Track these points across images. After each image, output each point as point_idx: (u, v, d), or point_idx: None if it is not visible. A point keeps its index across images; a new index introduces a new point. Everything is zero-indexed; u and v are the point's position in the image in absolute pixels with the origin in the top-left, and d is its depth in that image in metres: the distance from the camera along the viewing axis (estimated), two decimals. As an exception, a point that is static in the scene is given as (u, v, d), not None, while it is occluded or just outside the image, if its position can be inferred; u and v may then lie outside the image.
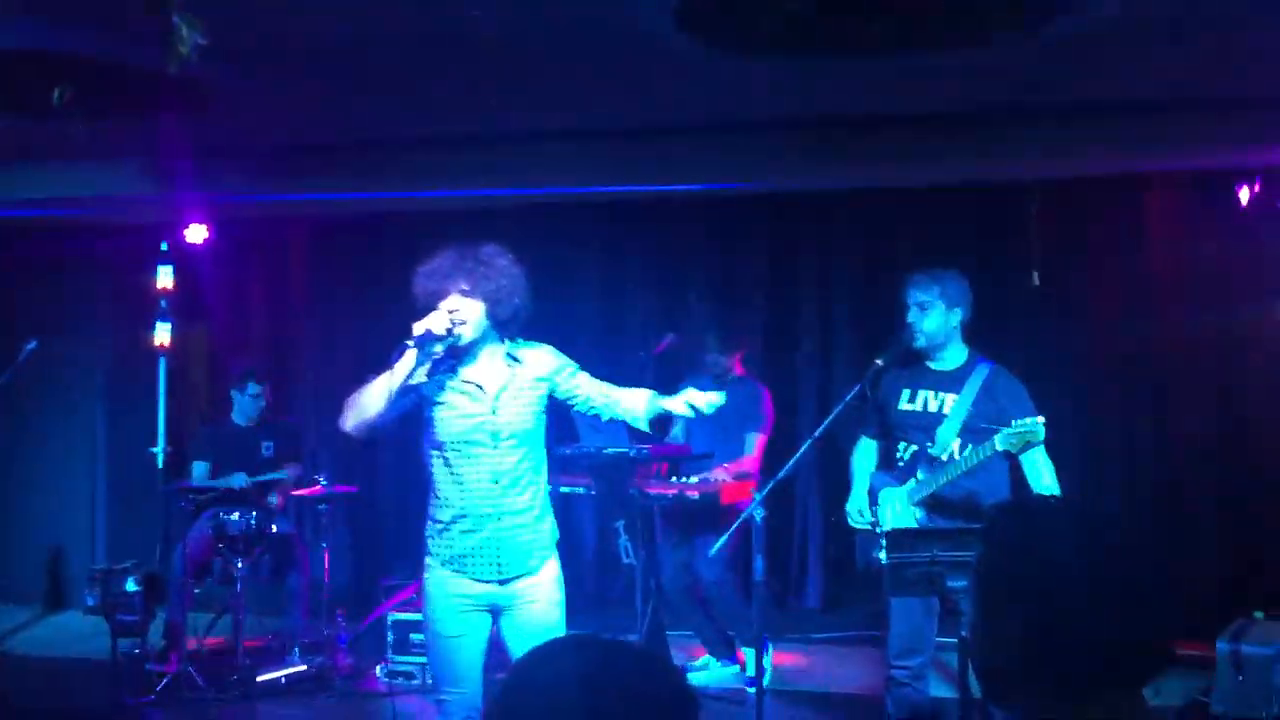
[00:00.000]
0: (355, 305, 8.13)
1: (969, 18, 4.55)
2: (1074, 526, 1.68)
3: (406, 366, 3.76)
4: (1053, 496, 4.43)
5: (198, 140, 6.36)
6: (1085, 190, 7.15)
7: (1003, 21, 4.57)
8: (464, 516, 3.88)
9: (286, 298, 8.76)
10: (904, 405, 4.78)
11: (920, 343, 4.71)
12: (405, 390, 3.80)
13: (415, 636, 6.13)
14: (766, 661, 6.24)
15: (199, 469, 6.96)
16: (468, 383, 3.89)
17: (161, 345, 7.93)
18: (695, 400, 3.97)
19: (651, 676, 1.51)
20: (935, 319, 4.69)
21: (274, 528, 6.56)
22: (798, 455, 4.71)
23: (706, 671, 6.38)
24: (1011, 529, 1.73)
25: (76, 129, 5.24)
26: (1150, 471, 7.24)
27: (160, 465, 7.79)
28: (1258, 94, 5.59)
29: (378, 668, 6.47)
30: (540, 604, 3.92)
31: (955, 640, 4.56)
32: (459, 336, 3.82)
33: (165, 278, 7.87)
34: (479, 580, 3.88)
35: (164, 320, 7.91)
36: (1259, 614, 5.69)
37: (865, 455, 4.98)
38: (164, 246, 7.87)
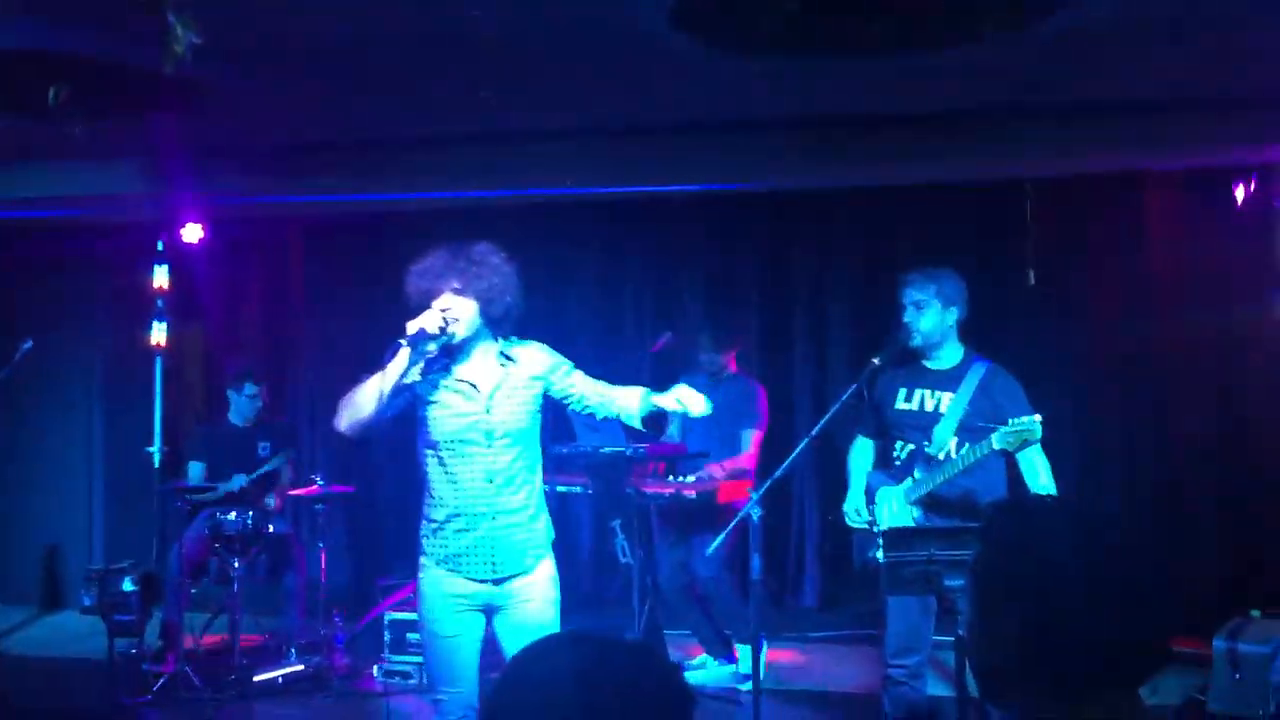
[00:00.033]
0: (352, 305, 8.12)
1: (966, 17, 4.55)
2: (1071, 526, 1.68)
3: (400, 365, 3.75)
4: (1050, 496, 4.43)
5: (194, 140, 6.35)
6: (1081, 189, 7.16)
7: (1000, 20, 4.57)
8: (458, 515, 3.87)
9: (282, 297, 8.75)
10: (900, 404, 4.78)
11: (916, 342, 4.71)
12: (399, 390, 3.79)
13: (412, 636, 6.13)
14: (761, 660, 6.26)
15: (195, 469, 6.95)
16: (461, 381, 3.89)
17: (157, 345, 7.92)
18: (684, 397, 3.94)
19: (647, 672, 1.51)
20: (931, 318, 4.69)
21: (270, 528, 6.55)
22: (794, 454, 4.70)
23: (703, 671, 6.38)
24: (1009, 528, 1.73)
25: (72, 128, 5.23)
26: (1148, 470, 7.24)
27: (156, 465, 7.79)
28: (1253, 93, 5.60)
29: (374, 667, 6.47)
30: (535, 603, 3.92)
31: (952, 639, 4.56)
32: (452, 335, 3.82)
33: (161, 277, 7.86)
34: (473, 580, 3.88)
35: (160, 320, 7.91)
36: (1255, 612, 5.68)
37: (861, 455, 4.98)
38: (160, 246, 7.87)
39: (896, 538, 4.20)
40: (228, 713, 6.04)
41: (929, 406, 4.71)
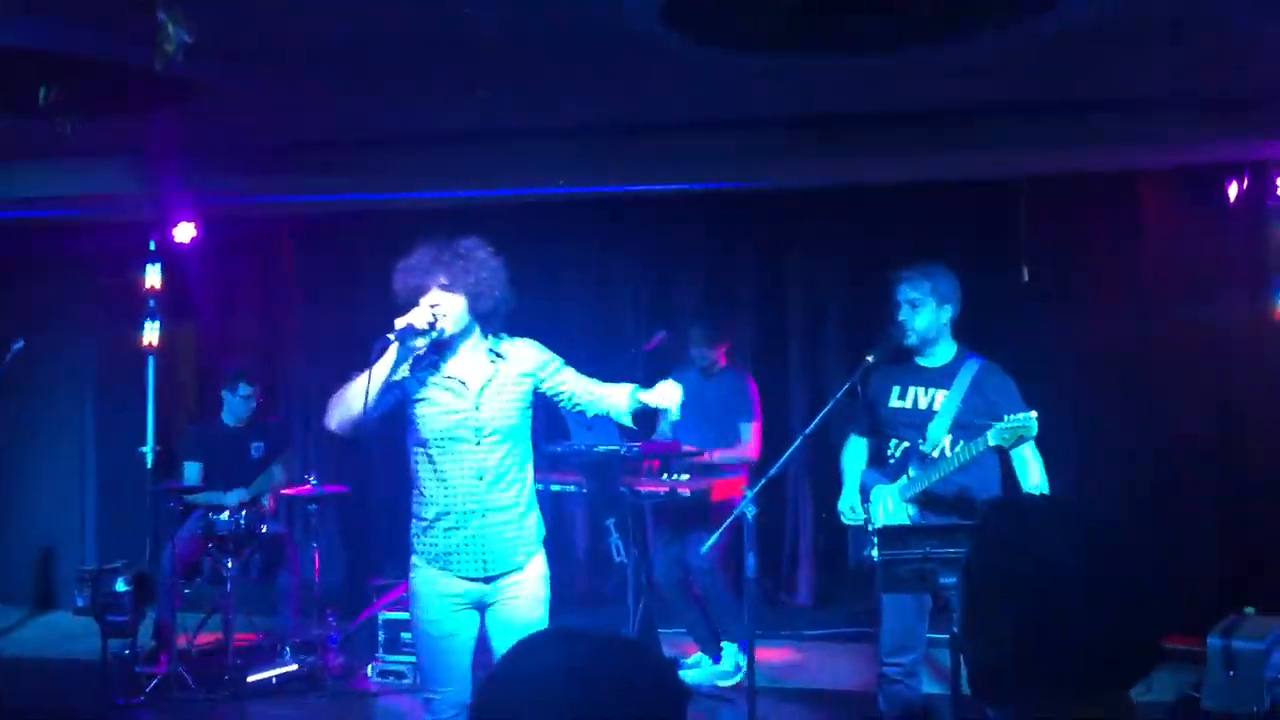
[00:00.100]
0: (345, 304, 8.10)
1: (960, 15, 4.55)
2: (1067, 525, 1.67)
3: (388, 362, 3.74)
4: (1044, 494, 4.43)
5: (186, 139, 6.33)
6: (1075, 187, 7.16)
7: (994, 19, 4.56)
8: (448, 514, 3.86)
9: (275, 297, 8.73)
10: (894, 402, 4.77)
11: (912, 340, 4.71)
12: (388, 387, 3.77)
13: (406, 636, 6.12)
14: (741, 658, 6.25)
15: (191, 470, 6.92)
16: (450, 379, 3.87)
17: (150, 344, 7.90)
18: (669, 393, 3.91)
19: (639, 668, 1.49)
20: (926, 316, 4.69)
21: (264, 528, 6.54)
22: (789, 453, 4.70)
23: (699, 669, 6.37)
24: (1004, 526, 1.72)
25: (64, 127, 5.20)
26: (1142, 468, 7.23)
27: (149, 465, 7.77)
28: (1246, 90, 5.60)
29: (369, 667, 6.46)
30: (525, 600, 3.91)
31: (946, 637, 4.57)
32: (440, 331, 3.80)
33: (153, 277, 7.84)
34: (464, 578, 3.87)
35: (152, 319, 7.89)
36: (1250, 609, 5.70)
37: (855, 453, 4.97)
38: (152, 245, 7.85)
39: (892, 536, 4.20)
40: (222, 713, 6.04)
41: (922, 404, 4.71)
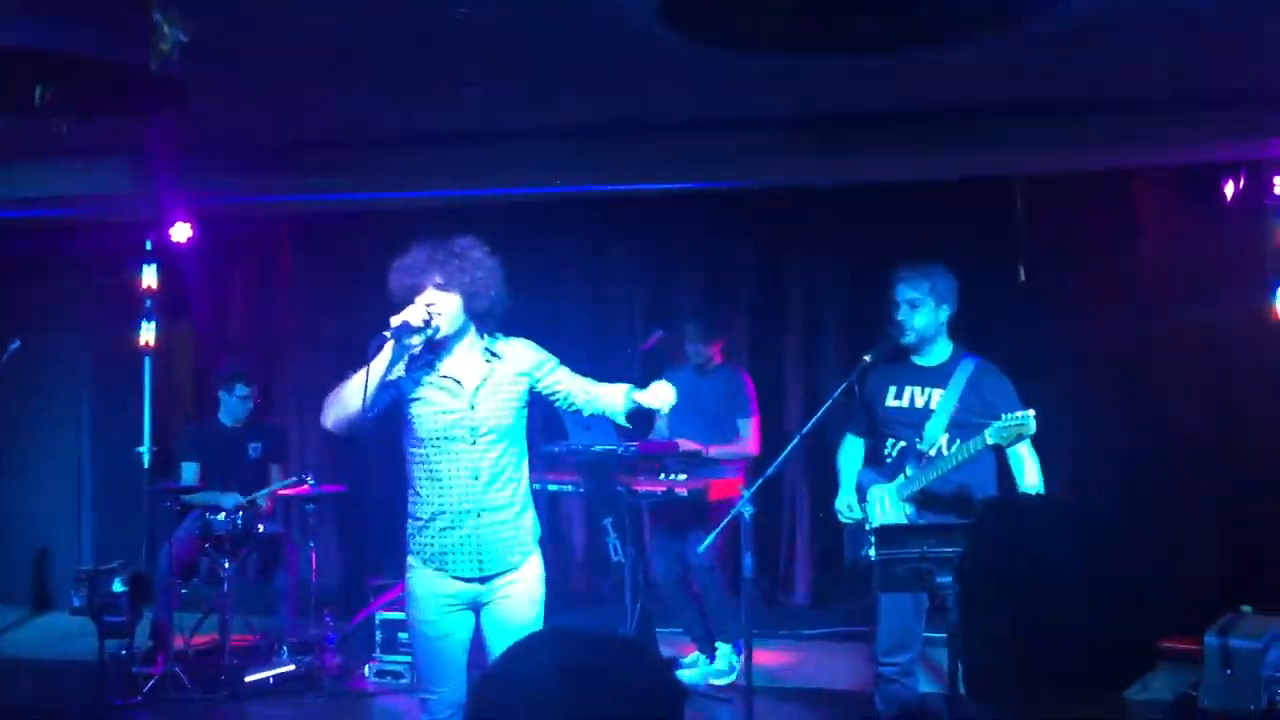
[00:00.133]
0: (341, 304, 8.10)
1: (958, 15, 4.55)
2: (1063, 524, 1.67)
3: (384, 360, 3.73)
4: (1041, 494, 4.43)
5: (183, 139, 6.32)
6: (1071, 186, 7.16)
7: (992, 18, 4.56)
8: (443, 513, 3.85)
9: (272, 297, 8.73)
10: (890, 402, 4.77)
11: (910, 339, 4.71)
12: (384, 386, 3.77)
13: (403, 636, 6.11)
14: (735, 659, 6.26)
15: (188, 470, 6.91)
16: (445, 378, 3.86)
17: (146, 344, 7.89)
18: (662, 394, 3.90)
19: (635, 667, 1.48)
20: (925, 316, 4.69)
21: (261, 528, 6.53)
22: (786, 452, 4.70)
23: (696, 669, 6.37)
24: (1000, 526, 1.71)
25: (59, 127, 5.20)
26: (1140, 468, 7.23)
27: (146, 465, 7.76)
28: (1243, 89, 5.60)
29: (366, 667, 6.46)
30: (520, 600, 3.90)
31: (943, 636, 4.57)
32: (436, 329, 3.79)
33: (149, 277, 7.83)
34: (460, 578, 3.86)
35: (149, 319, 7.88)
36: (1247, 608, 5.70)
37: (851, 453, 4.97)
38: (148, 245, 7.84)
39: (889, 535, 4.20)
40: (219, 713, 6.03)
41: (919, 403, 4.71)
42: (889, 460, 4.77)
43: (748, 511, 4.50)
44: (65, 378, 8.52)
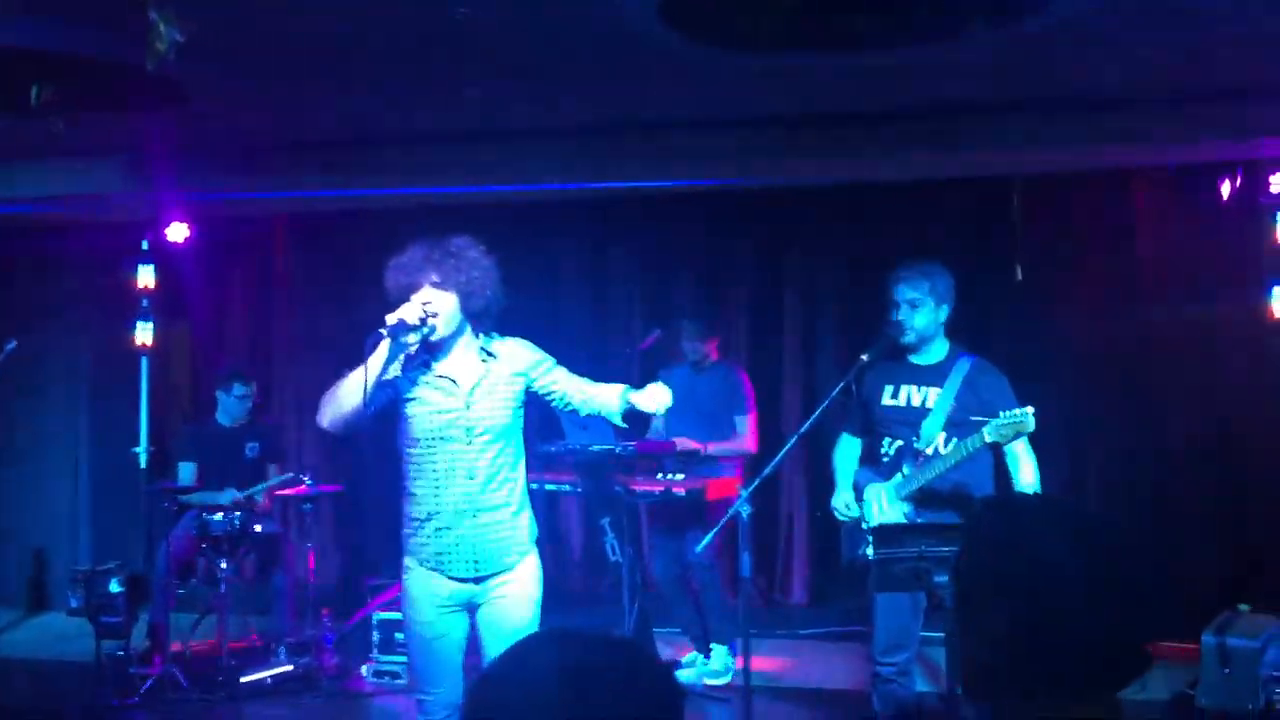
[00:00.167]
0: (338, 304, 8.09)
1: (955, 14, 4.55)
2: (1060, 523, 1.66)
3: (380, 358, 3.72)
4: (1037, 493, 4.43)
5: (180, 138, 6.32)
6: (1069, 185, 7.16)
7: (987, 17, 4.57)
8: (439, 514, 3.84)
9: (269, 297, 8.72)
10: (887, 401, 4.77)
11: (910, 339, 4.71)
12: (380, 385, 3.75)
13: (400, 636, 6.11)
14: (729, 660, 6.25)
15: (186, 470, 6.91)
16: (441, 378, 3.85)
17: (143, 344, 7.88)
18: (658, 396, 3.88)
19: (633, 669, 1.47)
20: (925, 315, 4.69)
21: (258, 527, 6.53)
22: (783, 451, 4.70)
23: (693, 669, 6.37)
24: (996, 525, 1.71)
25: (55, 127, 5.19)
26: (1136, 467, 7.24)
27: (143, 465, 7.75)
28: (1239, 87, 5.60)
29: (364, 667, 6.45)
30: (516, 600, 3.88)
31: (941, 635, 4.56)
32: (432, 328, 3.78)
33: (146, 276, 7.83)
34: (456, 579, 3.85)
35: (145, 319, 7.87)
36: (1244, 607, 5.69)
37: (847, 452, 4.97)
38: (145, 245, 7.83)
39: (887, 535, 4.19)
40: (216, 713, 6.02)
41: (916, 402, 4.71)
42: (886, 459, 4.77)
43: (745, 511, 4.49)
44: (62, 378, 8.52)
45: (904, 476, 4.66)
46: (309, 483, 6.62)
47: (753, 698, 4.79)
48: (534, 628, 3.90)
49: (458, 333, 3.86)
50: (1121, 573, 1.62)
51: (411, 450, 3.88)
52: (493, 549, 3.85)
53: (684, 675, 6.30)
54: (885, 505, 4.70)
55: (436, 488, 3.84)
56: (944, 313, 4.74)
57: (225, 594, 6.30)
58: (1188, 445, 7.10)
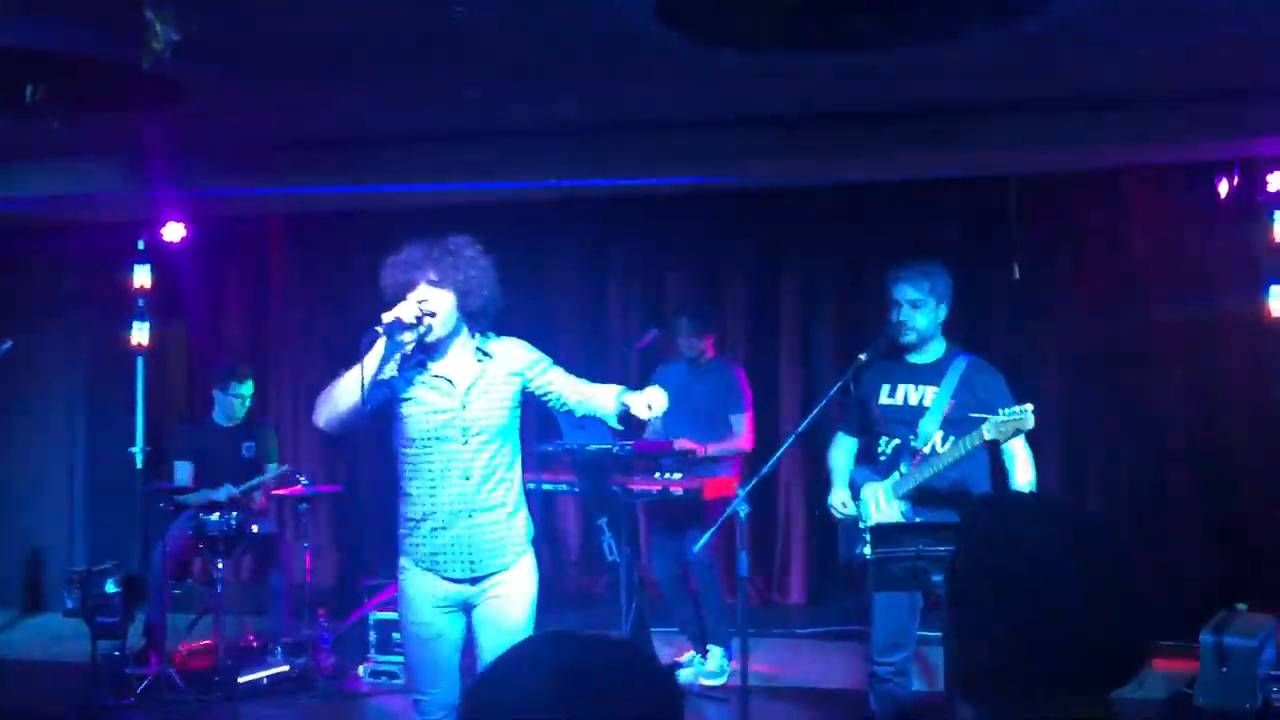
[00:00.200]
0: (334, 304, 8.09)
1: (952, 14, 4.55)
2: (1055, 523, 1.65)
3: (376, 357, 3.70)
4: (1033, 492, 4.43)
5: (176, 138, 6.31)
6: (1066, 184, 7.16)
7: (987, 17, 4.56)
8: (434, 514, 3.83)
9: (265, 296, 8.71)
10: (884, 400, 4.77)
11: (911, 339, 4.71)
12: (376, 384, 3.74)
13: (398, 636, 6.09)
14: (725, 662, 6.24)
15: (182, 470, 6.89)
16: (437, 377, 3.84)
17: (139, 344, 7.87)
18: (654, 400, 3.83)
19: (632, 671, 1.46)
20: (927, 316, 4.69)
21: (255, 527, 6.51)
22: (781, 451, 4.70)
23: (691, 669, 6.36)
24: (991, 524, 1.70)
25: (50, 126, 5.18)
26: (1133, 466, 7.25)
27: (139, 465, 7.73)
28: (1236, 86, 5.60)
29: (360, 667, 6.44)
30: (511, 600, 3.87)
31: (939, 635, 4.55)
32: (429, 327, 3.76)
33: (143, 276, 7.81)
34: (451, 579, 3.84)
35: (141, 319, 7.86)
36: (1242, 606, 5.69)
37: (844, 451, 4.97)
38: (141, 245, 7.82)
39: (885, 534, 4.19)
40: (213, 714, 6.01)
41: (913, 401, 4.71)
42: (883, 458, 4.76)
43: (743, 510, 4.49)
44: (58, 378, 8.50)
45: (901, 475, 4.66)
46: (305, 483, 6.61)
47: (750, 697, 4.79)
48: (529, 628, 3.90)
49: (454, 332, 3.85)
50: (1116, 573, 1.62)
51: (407, 450, 3.86)
52: (488, 549, 3.84)
53: (681, 675, 6.29)
54: (882, 504, 4.69)
55: (432, 488, 3.83)
56: (943, 312, 4.75)
57: (221, 594, 6.28)
58: (1185, 444, 7.10)
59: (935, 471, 4.56)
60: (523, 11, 4.48)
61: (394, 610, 6.02)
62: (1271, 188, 6.43)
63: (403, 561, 3.91)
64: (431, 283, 3.76)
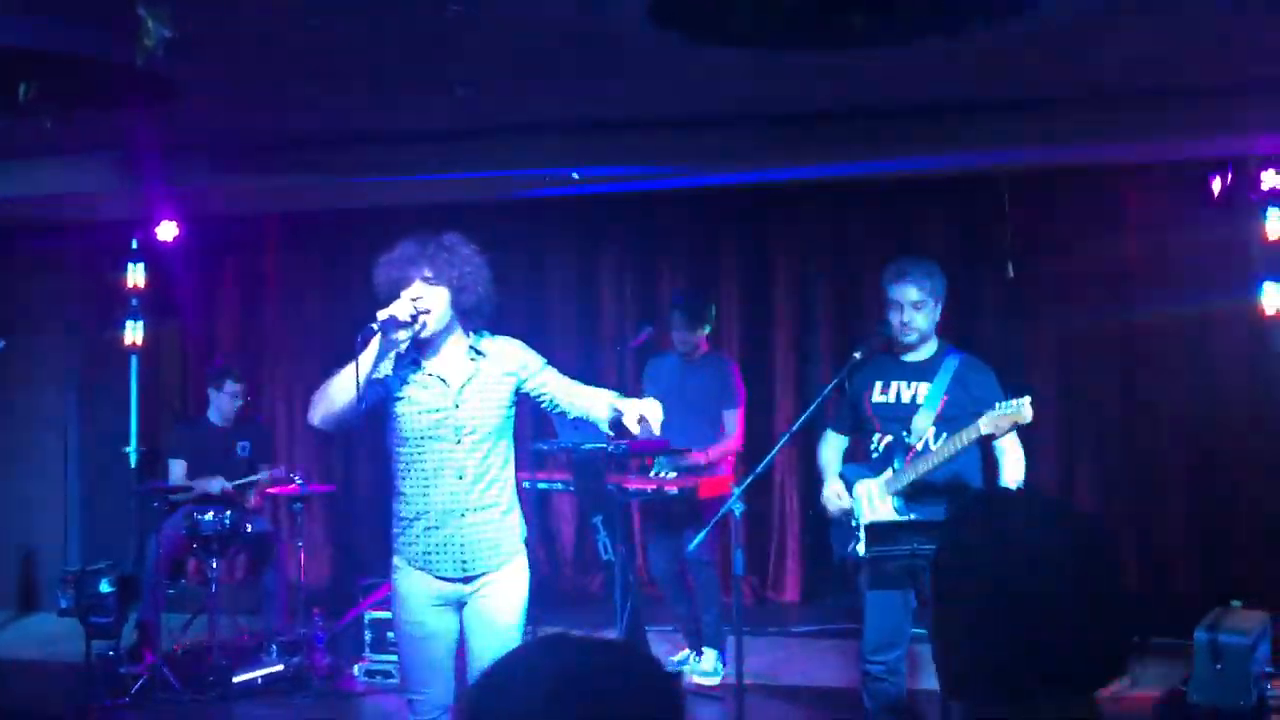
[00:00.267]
0: (328, 303, 8.09)
1: (942, 10, 4.55)
2: (1042, 520, 1.64)
3: (371, 354, 3.70)
4: (1021, 489, 4.43)
5: (170, 136, 6.29)
6: (1059, 182, 7.17)
7: (979, 15, 4.56)
8: (427, 513, 3.82)
9: (259, 295, 8.70)
10: (877, 397, 4.77)
11: (913, 339, 4.71)
12: (371, 382, 3.73)
13: (393, 635, 6.08)
14: (720, 665, 6.24)
15: (176, 468, 6.89)
16: (430, 376, 3.83)
17: (133, 344, 7.86)
18: (646, 413, 3.80)
19: (632, 674, 1.45)
20: (927, 315, 4.70)
21: (249, 527, 6.50)
22: (776, 449, 4.70)
23: (686, 667, 6.37)
24: (975, 522, 1.69)
25: (43, 125, 5.17)
26: (1125, 464, 7.26)
27: (134, 465, 7.72)
28: (1229, 84, 5.61)
29: (355, 667, 6.44)
30: (502, 599, 3.86)
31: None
32: (424, 324, 3.76)
33: (136, 275, 7.80)
34: (444, 578, 3.83)
35: (135, 318, 7.84)
36: (1236, 603, 5.70)
37: (834, 447, 4.97)
38: (134, 244, 7.81)
39: (880, 532, 4.19)
40: (208, 714, 6.01)
41: (905, 398, 4.71)
42: (875, 455, 4.77)
43: (738, 509, 4.49)
44: (51, 377, 8.48)
45: (895, 471, 4.67)
46: (300, 482, 6.60)
47: (745, 696, 4.79)
48: (521, 628, 3.89)
49: (448, 330, 3.84)
50: (1103, 570, 1.61)
51: (401, 449, 3.86)
52: (481, 549, 3.83)
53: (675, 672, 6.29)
54: (875, 500, 4.69)
55: (425, 487, 3.82)
56: (939, 311, 4.75)
57: (216, 594, 6.27)
58: (1178, 442, 7.11)
59: (929, 468, 4.56)
60: (516, 10, 4.48)
61: (389, 609, 6.03)
62: (1264, 186, 6.43)
63: (396, 560, 3.91)
64: (426, 280, 3.75)
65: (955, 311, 4.91)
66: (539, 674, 1.42)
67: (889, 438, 4.71)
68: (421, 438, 3.81)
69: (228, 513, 6.35)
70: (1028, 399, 4.37)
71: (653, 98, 5.88)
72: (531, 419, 5.86)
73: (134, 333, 7.84)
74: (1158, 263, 7.06)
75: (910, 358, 4.77)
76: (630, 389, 6.73)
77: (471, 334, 3.90)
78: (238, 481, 6.67)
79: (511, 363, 3.91)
